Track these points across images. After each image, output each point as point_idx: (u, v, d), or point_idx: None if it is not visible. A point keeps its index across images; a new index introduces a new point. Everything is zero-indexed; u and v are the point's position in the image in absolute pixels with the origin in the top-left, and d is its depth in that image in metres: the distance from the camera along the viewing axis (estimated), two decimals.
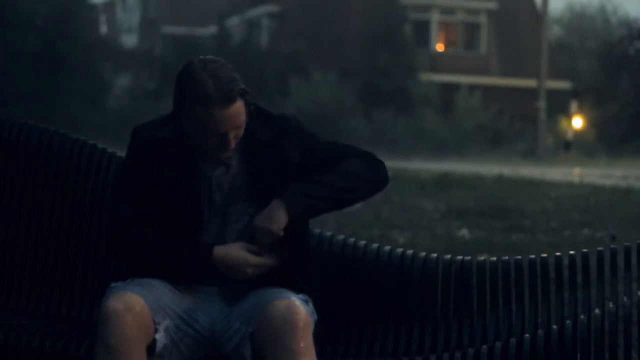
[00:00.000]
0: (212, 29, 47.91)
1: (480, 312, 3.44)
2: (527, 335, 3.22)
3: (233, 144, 3.17)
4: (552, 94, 39.64)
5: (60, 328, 3.41)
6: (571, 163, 31.66)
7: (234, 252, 3.17)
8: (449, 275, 3.49)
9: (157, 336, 3.11)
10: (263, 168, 3.23)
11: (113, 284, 3.18)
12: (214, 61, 3.16)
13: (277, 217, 3.17)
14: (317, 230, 3.64)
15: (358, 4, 45.00)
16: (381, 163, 3.31)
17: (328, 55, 41.94)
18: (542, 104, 36.07)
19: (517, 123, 41.54)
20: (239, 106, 3.13)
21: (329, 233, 3.66)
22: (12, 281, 3.81)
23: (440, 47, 46.26)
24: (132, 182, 3.27)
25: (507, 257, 3.50)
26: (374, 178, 3.30)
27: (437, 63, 44.39)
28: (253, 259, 3.16)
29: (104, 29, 49.85)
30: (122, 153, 3.81)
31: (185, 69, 3.17)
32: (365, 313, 3.52)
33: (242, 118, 3.16)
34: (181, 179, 3.22)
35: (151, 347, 3.10)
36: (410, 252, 3.57)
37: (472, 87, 42.40)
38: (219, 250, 3.17)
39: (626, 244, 3.36)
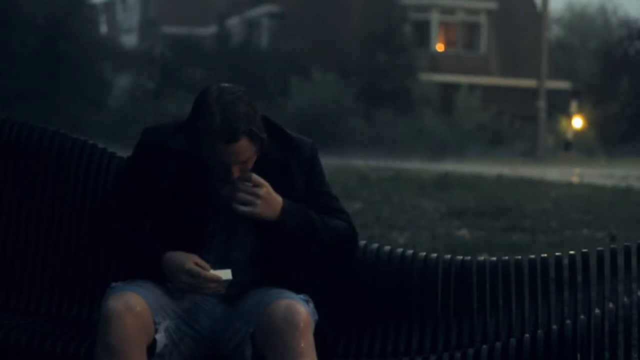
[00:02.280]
0: (212, 29, 47.88)
1: (480, 312, 3.44)
2: (527, 335, 3.22)
3: (237, 175, 3.15)
4: (552, 94, 39.64)
5: (60, 328, 3.41)
6: (571, 163, 31.68)
7: (178, 257, 3.14)
8: (449, 275, 3.48)
9: (158, 336, 3.11)
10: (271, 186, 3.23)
11: (113, 284, 3.18)
12: (232, 92, 3.12)
13: (270, 214, 3.16)
14: None
15: (358, 4, 44.98)
16: (357, 246, 3.42)
17: (328, 55, 41.91)
18: (542, 104, 36.08)
19: (517, 123, 41.52)
20: (243, 144, 3.09)
21: None
22: (12, 281, 3.81)
23: (440, 47, 46.24)
24: (130, 180, 3.29)
25: (507, 257, 3.50)
26: (347, 252, 3.39)
27: (437, 63, 44.36)
28: (189, 265, 3.11)
29: (104, 29, 49.82)
30: (122, 153, 3.83)
31: (201, 94, 3.14)
32: (365, 313, 3.52)
33: (248, 155, 3.13)
34: (188, 190, 3.22)
35: (151, 347, 3.10)
36: (410, 252, 3.57)
37: (472, 87, 42.37)
38: (168, 255, 3.17)
39: (626, 244, 3.36)
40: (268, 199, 3.16)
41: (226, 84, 3.17)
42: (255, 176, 3.15)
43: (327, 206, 3.32)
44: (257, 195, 3.14)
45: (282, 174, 3.26)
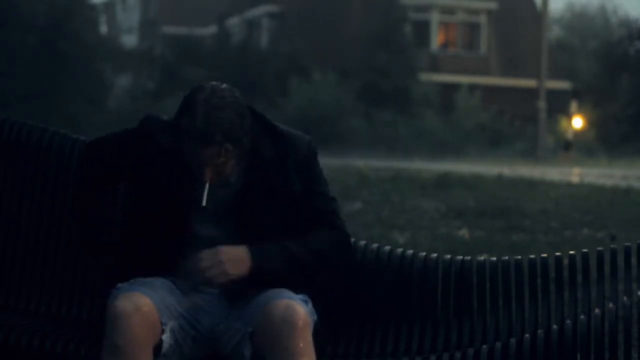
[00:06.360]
0: (212, 29, 47.90)
1: (480, 312, 3.44)
2: (527, 335, 3.22)
3: (209, 175, 3.13)
4: (552, 94, 39.63)
5: (60, 328, 3.41)
6: (571, 163, 31.67)
7: None
8: (449, 275, 3.48)
9: (164, 337, 3.11)
10: (260, 186, 3.22)
11: (119, 285, 3.17)
12: (222, 97, 3.12)
13: (243, 269, 3.14)
14: None
15: (358, 4, 44.99)
16: (353, 251, 3.39)
17: (328, 55, 41.92)
18: (542, 104, 36.07)
19: (517, 123, 41.51)
20: (219, 149, 3.09)
21: None
22: (12, 281, 3.80)
23: (440, 48, 46.24)
24: (112, 151, 3.37)
25: (507, 257, 3.50)
26: (338, 265, 3.34)
27: (437, 63, 44.37)
28: None
29: (104, 29, 49.81)
30: None
31: (192, 92, 3.15)
32: (365, 313, 3.51)
33: (224, 159, 3.12)
34: (173, 184, 3.22)
35: (157, 348, 3.09)
36: (410, 252, 3.57)
37: (472, 87, 42.37)
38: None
39: (626, 244, 3.36)
40: (231, 258, 3.14)
41: (222, 85, 3.16)
42: (203, 251, 3.14)
43: (318, 210, 3.29)
44: (220, 262, 3.13)
45: (276, 171, 3.25)
